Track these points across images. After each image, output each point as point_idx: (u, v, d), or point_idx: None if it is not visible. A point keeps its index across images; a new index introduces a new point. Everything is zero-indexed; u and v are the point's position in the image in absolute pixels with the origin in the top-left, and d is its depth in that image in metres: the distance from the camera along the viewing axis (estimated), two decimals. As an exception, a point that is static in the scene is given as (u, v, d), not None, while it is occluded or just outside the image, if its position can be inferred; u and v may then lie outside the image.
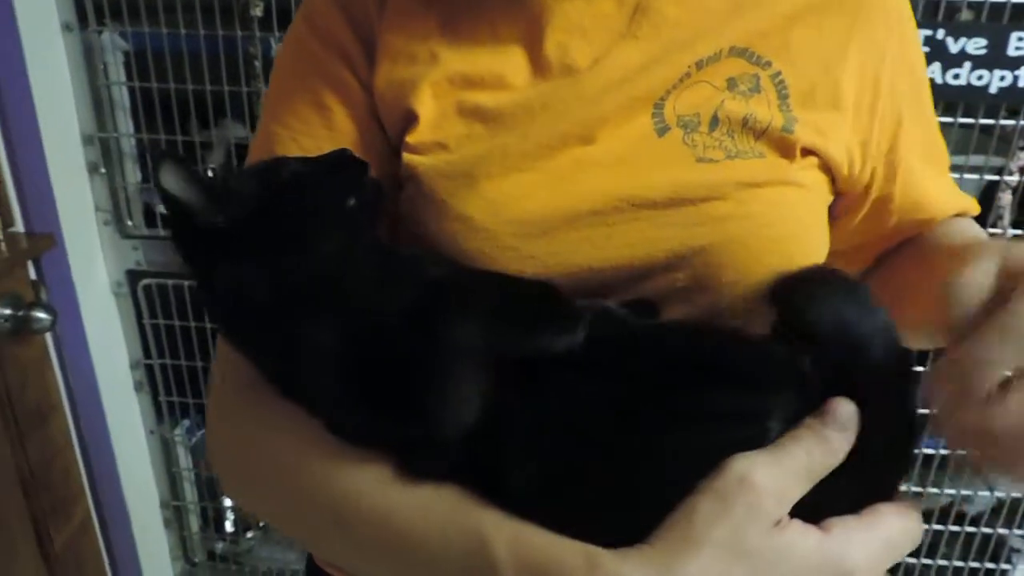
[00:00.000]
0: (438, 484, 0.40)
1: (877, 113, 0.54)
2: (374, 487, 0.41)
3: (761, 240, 0.48)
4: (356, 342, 0.40)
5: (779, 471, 0.36)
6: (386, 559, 0.41)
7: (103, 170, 1.46)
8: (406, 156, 0.52)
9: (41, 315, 1.24)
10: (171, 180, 0.40)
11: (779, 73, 0.51)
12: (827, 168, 0.53)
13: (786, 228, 0.49)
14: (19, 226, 1.26)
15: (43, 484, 1.32)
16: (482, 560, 0.37)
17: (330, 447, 0.43)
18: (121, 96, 1.44)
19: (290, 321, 0.41)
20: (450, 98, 0.52)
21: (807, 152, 0.51)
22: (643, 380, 0.40)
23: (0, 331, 1.20)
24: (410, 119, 0.52)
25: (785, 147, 0.50)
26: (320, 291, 0.41)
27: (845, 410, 0.38)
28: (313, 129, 0.54)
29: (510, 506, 0.39)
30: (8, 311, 1.21)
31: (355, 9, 0.55)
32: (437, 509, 0.40)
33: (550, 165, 0.50)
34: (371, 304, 0.42)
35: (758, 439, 0.38)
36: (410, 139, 0.52)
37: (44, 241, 1.28)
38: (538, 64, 0.52)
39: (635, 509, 0.38)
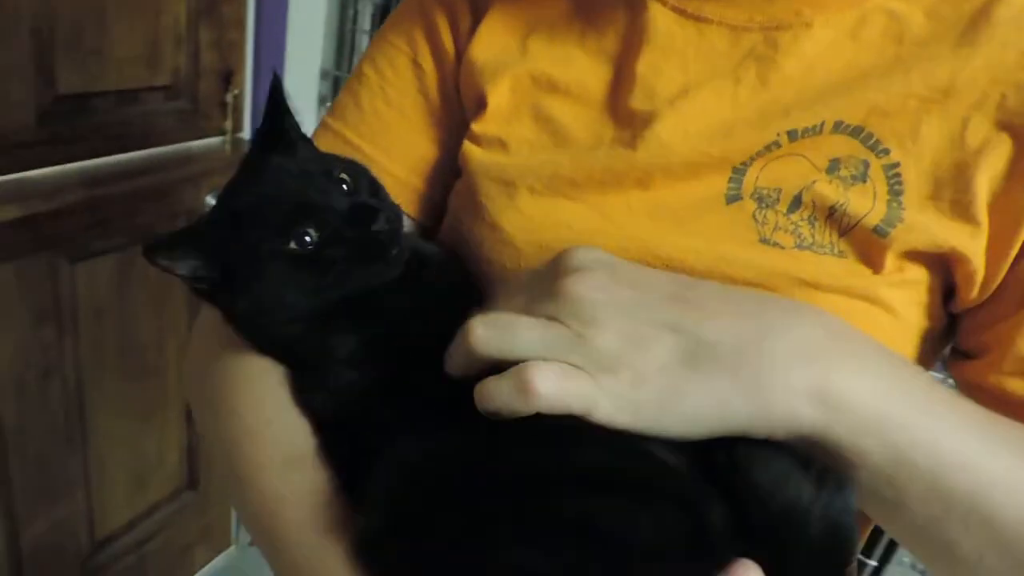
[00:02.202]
0: (326, 485, 0.40)
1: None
2: (275, 467, 0.41)
3: None
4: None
5: None
6: (261, 543, 0.41)
7: (329, 104, 1.62)
8: (466, 144, 0.50)
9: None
10: (166, 264, 0.41)
11: (896, 164, 0.42)
12: (939, 289, 0.43)
13: None
14: (246, 133, 1.43)
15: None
16: None
17: (268, 409, 0.43)
18: (363, 43, 1.59)
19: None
20: (529, 97, 0.49)
21: (912, 258, 0.42)
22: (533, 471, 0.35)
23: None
24: (481, 106, 0.50)
25: (872, 251, 0.41)
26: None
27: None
28: (404, 85, 0.54)
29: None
30: (216, 203, 1.38)
31: None
32: (313, 522, 0.39)
33: (598, 200, 0.46)
34: None
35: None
36: (475, 127, 0.50)
37: (263, 152, 1.45)
38: (621, 83, 0.48)
39: None
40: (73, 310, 1.19)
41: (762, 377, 0.34)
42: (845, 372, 0.35)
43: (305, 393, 0.43)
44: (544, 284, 0.37)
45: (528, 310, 0.37)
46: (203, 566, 1.70)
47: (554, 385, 0.34)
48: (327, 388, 0.42)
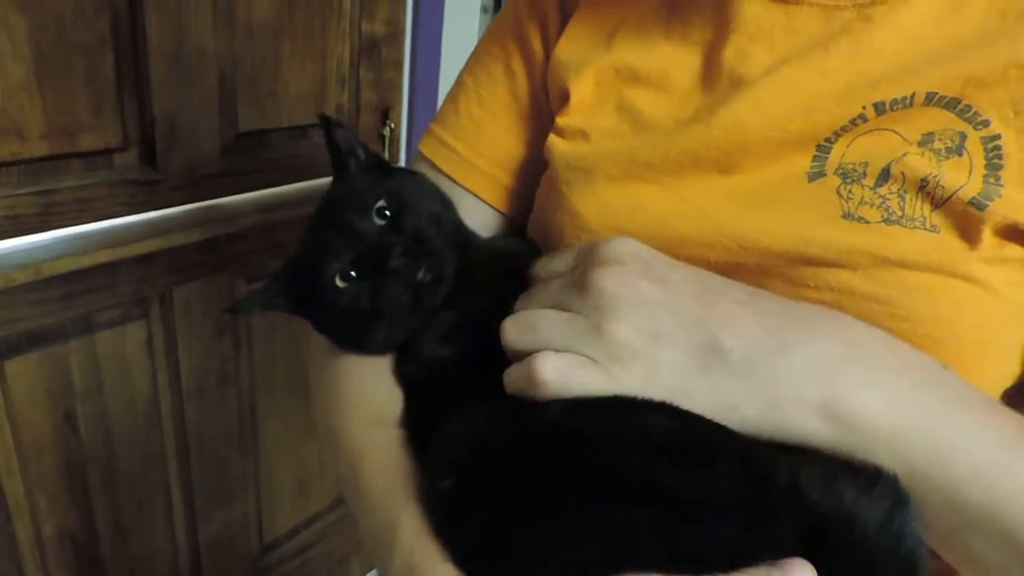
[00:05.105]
0: (404, 444, 0.42)
1: None
2: (360, 425, 0.45)
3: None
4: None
5: None
6: (348, 495, 0.44)
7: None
8: (550, 137, 0.52)
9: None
10: (249, 308, 0.49)
11: (997, 137, 0.39)
12: None
13: (933, 330, 0.38)
14: (401, 163, 1.52)
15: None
16: (390, 543, 0.38)
17: (358, 379, 0.47)
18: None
19: None
20: (612, 89, 0.50)
21: (1012, 234, 0.39)
22: (609, 448, 0.35)
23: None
24: (565, 100, 0.52)
25: (968, 224, 0.39)
26: None
27: (803, 572, 0.30)
28: (496, 88, 0.57)
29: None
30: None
31: None
32: (387, 472, 0.41)
33: (676, 183, 0.46)
34: None
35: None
36: (559, 120, 0.52)
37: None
38: (708, 71, 0.48)
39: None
40: (248, 325, 1.32)
41: (773, 390, 0.34)
42: (859, 387, 0.34)
43: (402, 364, 0.47)
44: (575, 274, 0.40)
45: (557, 300, 0.40)
46: (360, 577, 1.78)
47: (558, 374, 0.36)
48: (421, 359, 0.46)
